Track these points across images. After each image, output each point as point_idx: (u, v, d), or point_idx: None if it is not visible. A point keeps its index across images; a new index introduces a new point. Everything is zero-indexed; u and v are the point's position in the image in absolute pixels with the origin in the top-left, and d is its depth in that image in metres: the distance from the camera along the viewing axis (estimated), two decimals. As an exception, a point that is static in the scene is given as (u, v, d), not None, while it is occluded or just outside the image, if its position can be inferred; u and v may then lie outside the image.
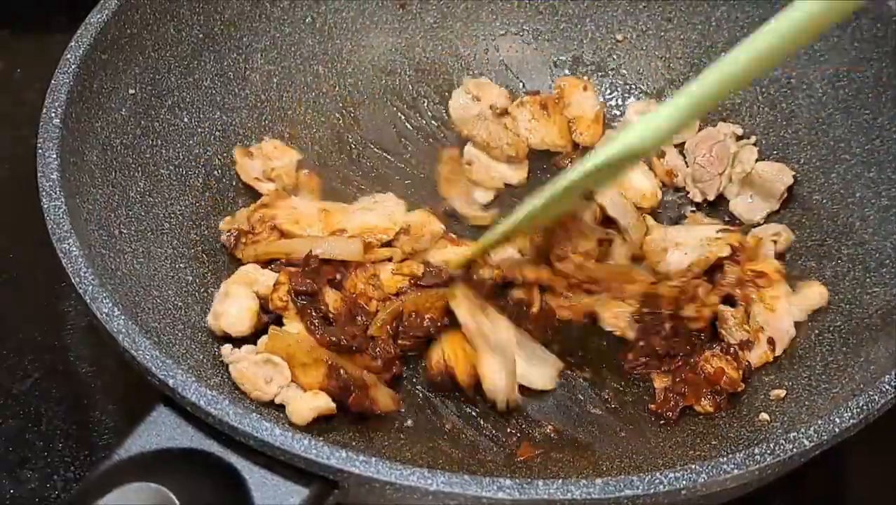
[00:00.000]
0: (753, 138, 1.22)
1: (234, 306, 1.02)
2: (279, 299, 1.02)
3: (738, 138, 1.22)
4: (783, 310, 1.07)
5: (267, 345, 1.00)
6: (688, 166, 1.22)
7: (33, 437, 1.05)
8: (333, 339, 1.00)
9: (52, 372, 1.10)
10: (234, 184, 1.17)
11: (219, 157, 1.17)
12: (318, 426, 0.98)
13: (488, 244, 1.08)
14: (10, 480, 1.02)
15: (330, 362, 0.98)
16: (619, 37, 1.31)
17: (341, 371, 0.98)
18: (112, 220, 1.01)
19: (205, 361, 0.99)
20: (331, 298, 1.04)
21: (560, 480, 0.76)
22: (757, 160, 1.19)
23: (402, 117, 1.28)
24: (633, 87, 1.31)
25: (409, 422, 1.02)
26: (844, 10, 0.80)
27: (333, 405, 0.98)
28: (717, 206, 1.21)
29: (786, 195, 1.17)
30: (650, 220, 1.16)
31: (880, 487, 1.06)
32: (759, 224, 1.18)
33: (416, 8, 1.31)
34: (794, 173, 1.17)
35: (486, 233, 1.10)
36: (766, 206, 1.18)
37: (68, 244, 0.88)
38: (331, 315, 1.03)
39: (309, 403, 0.97)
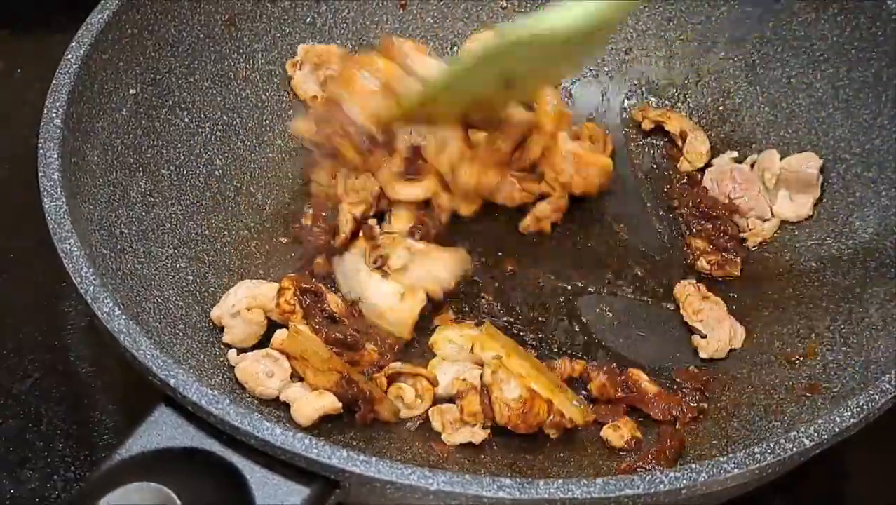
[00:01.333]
0: (752, 157, 1.21)
1: (240, 327, 1.03)
2: (286, 303, 1.02)
3: (737, 161, 1.21)
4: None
5: (284, 343, 1.00)
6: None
7: (33, 437, 1.05)
8: (339, 335, 1.01)
9: (52, 372, 1.10)
10: (234, 184, 1.17)
11: (220, 157, 1.17)
12: (320, 426, 0.98)
13: (408, 103, 1.05)
14: (10, 480, 1.02)
15: (344, 375, 0.98)
16: (620, 37, 1.31)
17: (353, 387, 0.98)
18: (113, 221, 1.01)
19: (206, 360, 1.00)
20: (332, 300, 1.05)
21: (560, 480, 0.76)
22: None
23: (403, 117, 1.29)
24: (634, 87, 1.31)
25: (410, 421, 1.02)
26: None
27: (339, 404, 0.97)
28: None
29: (821, 177, 1.15)
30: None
31: (881, 486, 1.06)
32: (809, 217, 1.16)
33: (417, 8, 1.31)
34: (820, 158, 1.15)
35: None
36: (809, 197, 1.16)
37: (69, 244, 0.88)
38: (335, 315, 1.03)
39: (314, 404, 0.97)
